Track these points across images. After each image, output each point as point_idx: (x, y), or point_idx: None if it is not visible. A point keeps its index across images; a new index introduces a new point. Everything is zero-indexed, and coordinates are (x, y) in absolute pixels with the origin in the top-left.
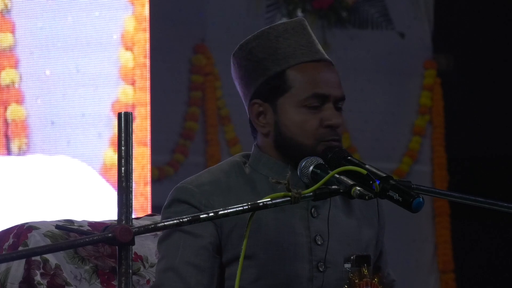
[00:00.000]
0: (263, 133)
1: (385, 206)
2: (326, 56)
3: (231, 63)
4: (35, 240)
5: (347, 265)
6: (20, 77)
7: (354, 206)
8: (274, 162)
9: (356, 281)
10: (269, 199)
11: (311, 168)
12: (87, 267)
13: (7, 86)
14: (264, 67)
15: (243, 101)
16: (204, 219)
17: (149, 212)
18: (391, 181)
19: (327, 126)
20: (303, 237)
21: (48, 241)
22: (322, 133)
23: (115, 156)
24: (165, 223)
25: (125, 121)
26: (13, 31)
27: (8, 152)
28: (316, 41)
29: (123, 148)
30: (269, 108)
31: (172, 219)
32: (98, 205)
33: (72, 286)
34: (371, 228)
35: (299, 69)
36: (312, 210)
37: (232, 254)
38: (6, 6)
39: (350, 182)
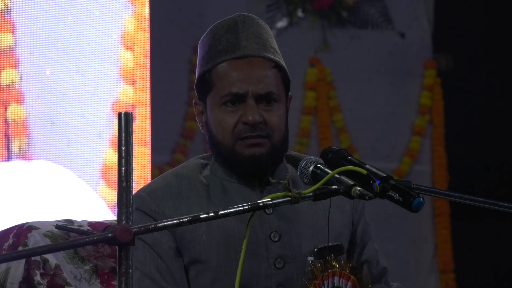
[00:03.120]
0: (203, 132)
1: (384, 206)
2: (256, 52)
3: None
4: (35, 240)
5: (310, 258)
6: (20, 77)
7: None
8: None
9: (317, 273)
10: (269, 199)
11: (311, 168)
12: (87, 267)
13: (7, 86)
14: (200, 65)
15: None
16: (205, 219)
17: None
18: (391, 181)
19: (244, 123)
20: (258, 235)
21: (48, 241)
22: (238, 130)
23: (115, 156)
24: (165, 223)
25: (125, 121)
26: (13, 31)
27: (8, 152)
28: (251, 35)
29: (123, 148)
30: (204, 107)
31: (172, 219)
32: (80, 206)
33: (72, 286)
34: (343, 215)
35: (221, 67)
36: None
37: (188, 258)
38: (6, 6)
39: (350, 182)
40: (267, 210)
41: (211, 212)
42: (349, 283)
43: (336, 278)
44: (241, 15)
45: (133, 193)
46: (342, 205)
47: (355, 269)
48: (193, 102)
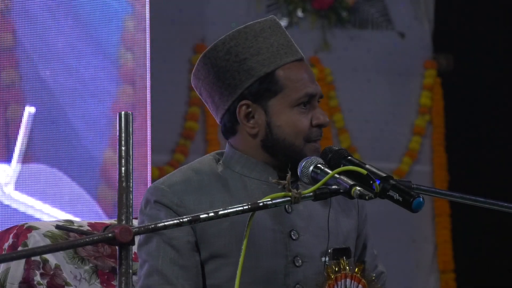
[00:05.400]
0: (251, 134)
1: (384, 206)
2: (301, 53)
3: (201, 63)
4: (34, 240)
5: (325, 259)
6: (20, 77)
7: (332, 199)
8: (247, 159)
9: (332, 274)
10: (269, 199)
11: (311, 168)
12: (87, 267)
13: (7, 86)
14: (249, 67)
15: (212, 101)
16: (205, 219)
17: None
18: (391, 181)
19: (317, 125)
20: (278, 233)
21: (48, 241)
22: (311, 132)
23: (115, 156)
24: (165, 223)
25: (125, 121)
26: (13, 31)
27: (8, 152)
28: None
29: (123, 148)
30: (259, 109)
31: (173, 219)
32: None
33: (72, 286)
34: (350, 220)
35: (287, 69)
36: (286, 205)
37: (207, 252)
38: (6, 6)
39: (350, 182)
40: (287, 209)
41: (211, 212)
42: (360, 286)
43: (348, 280)
44: (276, 18)
45: (134, 192)
46: (349, 210)
47: (365, 272)
48: (241, 105)
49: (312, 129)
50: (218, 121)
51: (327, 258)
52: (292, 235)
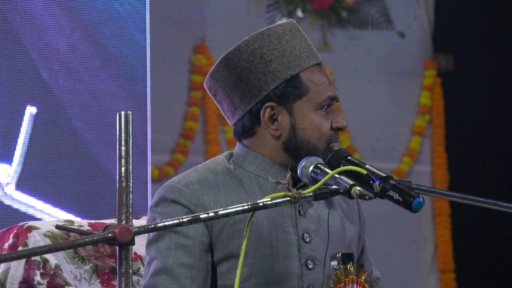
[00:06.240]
0: (274, 135)
1: (384, 206)
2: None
3: (221, 64)
4: (35, 240)
5: (334, 263)
6: (20, 77)
7: (337, 205)
8: (262, 159)
9: (342, 277)
10: (269, 199)
11: (311, 168)
12: (87, 267)
13: (7, 86)
14: (274, 69)
15: (230, 102)
16: (204, 219)
17: None
18: (391, 181)
19: (337, 128)
20: (292, 235)
21: (48, 241)
22: (330, 135)
23: (115, 156)
24: (165, 223)
25: (124, 121)
26: (13, 31)
27: (9, 152)
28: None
29: (123, 148)
30: (284, 112)
31: (172, 219)
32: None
33: (72, 286)
34: (353, 226)
35: (310, 72)
36: (299, 208)
37: (222, 253)
38: (6, 6)
39: (350, 182)
40: (300, 212)
41: (211, 212)
42: None
43: (355, 285)
44: (292, 21)
45: (134, 192)
46: (352, 217)
47: (369, 277)
48: (266, 106)
49: (331, 132)
50: (232, 122)
51: (335, 262)
52: (305, 238)
